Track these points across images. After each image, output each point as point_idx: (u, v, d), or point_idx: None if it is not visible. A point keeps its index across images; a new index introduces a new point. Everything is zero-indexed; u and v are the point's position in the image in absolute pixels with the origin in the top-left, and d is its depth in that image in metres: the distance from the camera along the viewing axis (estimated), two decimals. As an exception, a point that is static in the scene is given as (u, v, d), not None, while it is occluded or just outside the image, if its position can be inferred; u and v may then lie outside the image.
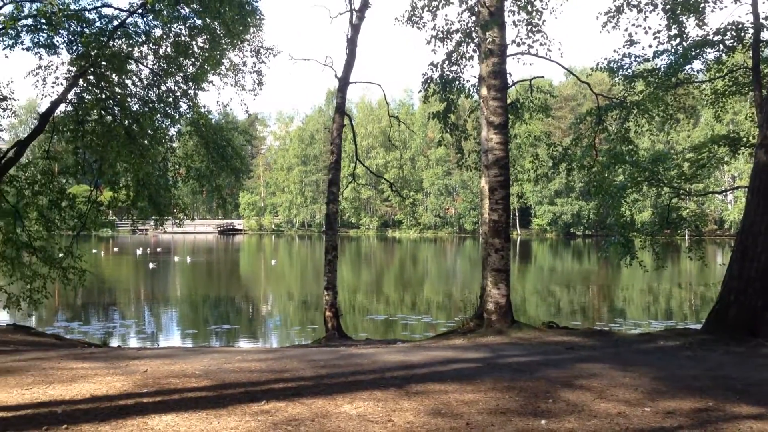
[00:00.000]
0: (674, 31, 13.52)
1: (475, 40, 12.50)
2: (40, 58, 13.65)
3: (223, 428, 4.92)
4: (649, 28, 12.97)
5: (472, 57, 13.08)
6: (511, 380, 6.76)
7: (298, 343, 15.60)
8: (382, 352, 8.80)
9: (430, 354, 8.62)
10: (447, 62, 13.17)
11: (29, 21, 13.16)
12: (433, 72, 13.25)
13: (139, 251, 53.77)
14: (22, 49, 13.40)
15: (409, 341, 13.30)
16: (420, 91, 13.64)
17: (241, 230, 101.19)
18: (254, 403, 5.65)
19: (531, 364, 7.70)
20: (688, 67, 14.10)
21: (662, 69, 13.90)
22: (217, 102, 27.02)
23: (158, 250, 56.55)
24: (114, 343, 15.55)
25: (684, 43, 13.60)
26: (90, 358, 7.60)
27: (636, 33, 12.89)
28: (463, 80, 13.32)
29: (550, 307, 25.22)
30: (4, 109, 14.51)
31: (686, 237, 36.44)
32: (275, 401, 5.73)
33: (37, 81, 13.47)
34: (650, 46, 13.05)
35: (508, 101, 12.41)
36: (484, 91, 11.75)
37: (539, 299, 27.73)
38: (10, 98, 14.47)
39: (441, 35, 12.95)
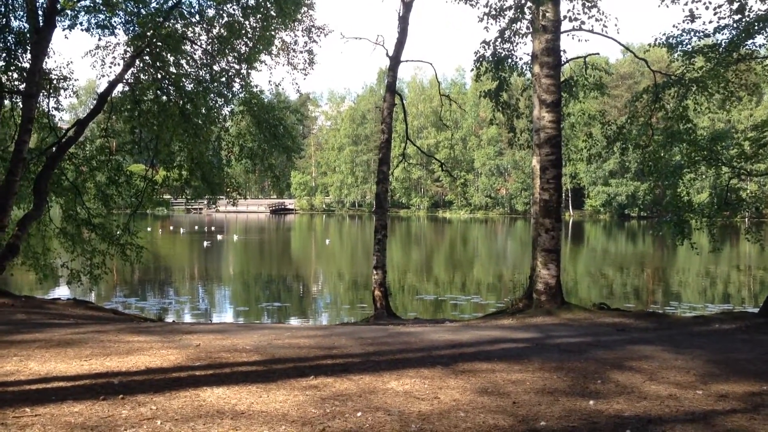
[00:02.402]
0: (736, 5, 13.01)
1: (528, 17, 12.28)
2: (99, 39, 13.99)
3: (272, 401, 5.02)
4: (710, 2, 12.46)
5: (525, 34, 12.89)
6: (560, 360, 6.71)
7: (347, 322, 15.75)
8: (430, 331, 8.83)
9: (478, 333, 8.61)
10: (499, 40, 13.00)
11: (87, 2, 13.48)
12: (485, 50, 13.10)
13: (182, 230, 54.78)
14: (81, 29, 13.76)
15: (457, 321, 13.30)
16: (472, 69, 13.51)
17: (292, 210, 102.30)
18: (303, 378, 5.74)
19: (580, 345, 7.62)
20: (750, 42, 13.56)
21: (723, 45, 13.41)
22: (269, 81, 27.16)
23: (212, 228, 57.61)
24: (169, 318, 15.95)
25: (746, 17, 13.09)
26: (145, 332, 7.83)
27: (696, 8, 12.37)
28: (516, 58, 13.14)
29: (603, 289, 24.85)
30: (65, 89, 14.93)
31: (746, 219, 35.37)
32: (323, 377, 5.81)
33: (96, 61, 13.83)
34: (710, 21, 12.50)
35: (562, 79, 12.19)
36: (536, 69, 11.58)
37: (591, 281, 27.34)
38: (70, 78, 14.87)
39: (494, 12, 12.76)
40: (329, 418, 4.70)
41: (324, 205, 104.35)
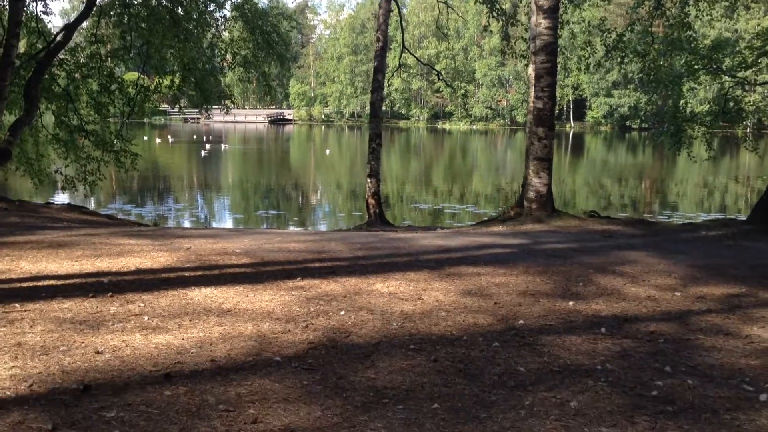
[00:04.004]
0: None
1: None
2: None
3: (258, 301, 5.14)
4: None
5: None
6: (545, 265, 6.82)
7: (339, 229, 15.91)
8: (420, 237, 8.93)
9: (467, 239, 8.71)
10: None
11: None
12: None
13: (170, 138, 54.21)
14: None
15: (449, 228, 13.43)
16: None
17: (291, 120, 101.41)
18: (290, 279, 5.85)
19: (567, 251, 7.73)
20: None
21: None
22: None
23: (210, 138, 57.30)
24: (167, 225, 16.10)
25: None
26: (138, 236, 7.92)
27: None
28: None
29: (600, 200, 24.96)
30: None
31: (747, 131, 35.12)
32: (310, 278, 5.92)
33: (82, -37, 13.38)
34: None
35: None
36: (534, -28, 11.22)
37: (589, 192, 27.44)
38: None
39: None
40: (313, 317, 4.82)
41: (323, 116, 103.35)
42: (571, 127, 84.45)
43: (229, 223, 18.58)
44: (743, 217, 12.18)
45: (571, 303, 5.42)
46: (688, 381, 3.82)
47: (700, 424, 3.26)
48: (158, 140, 52.04)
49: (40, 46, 13.98)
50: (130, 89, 15.33)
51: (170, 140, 52.59)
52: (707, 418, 3.33)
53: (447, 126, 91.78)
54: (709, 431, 3.19)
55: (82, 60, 14.90)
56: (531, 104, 11.38)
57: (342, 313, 4.93)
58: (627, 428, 3.20)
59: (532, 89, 11.34)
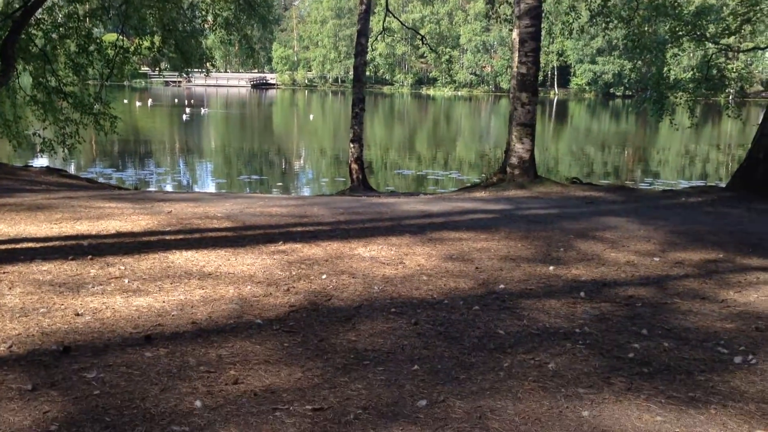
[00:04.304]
0: None
1: None
2: None
3: (239, 264, 5.13)
4: None
5: None
6: (526, 231, 6.85)
7: (322, 194, 15.87)
8: (403, 202, 8.92)
9: (450, 205, 8.72)
10: None
11: None
12: None
13: (150, 101, 53.37)
14: None
15: (432, 194, 13.44)
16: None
17: (273, 85, 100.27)
18: (272, 243, 5.84)
19: (548, 217, 7.76)
20: None
21: None
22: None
23: (192, 101, 56.58)
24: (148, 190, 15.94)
25: None
26: (118, 199, 7.85)
27: None
28: None
29: (583, 167, 25.04)
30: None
31: (730, 98, 35.23)
32: (292, 243, 5.92)
33: None
34: None
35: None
36: (520, -66, 11.09)
37: (572, 159, 27.50)
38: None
39: None
40: (294, 280, 4.83)
41: (306, 81, 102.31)
42: (555, 94, 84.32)
43: (211, 189, 18.45)
44: (723, 185, 12.29)
45: (551, 268, 5.46)
46: (664, 343, 3.88)
47: (674, 385, 3.32)
48: (138, 103, 51.29)
49: (17, 5, 13.66)
50: (108, 50, 15.05)
51: (150, 103, 51.77)
52: (682, 380, 3.39)
53: (431, 92, 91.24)
54: (683, 392, 3.25)
55: (59, 20, 14.58)
56: (515, 69, 11.33)
57: (323, 276, 4.94)
58: (603, 389, 3.26)
59: (516, 54, 11.27)
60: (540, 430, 2.84)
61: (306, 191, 18.76)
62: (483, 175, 18.41)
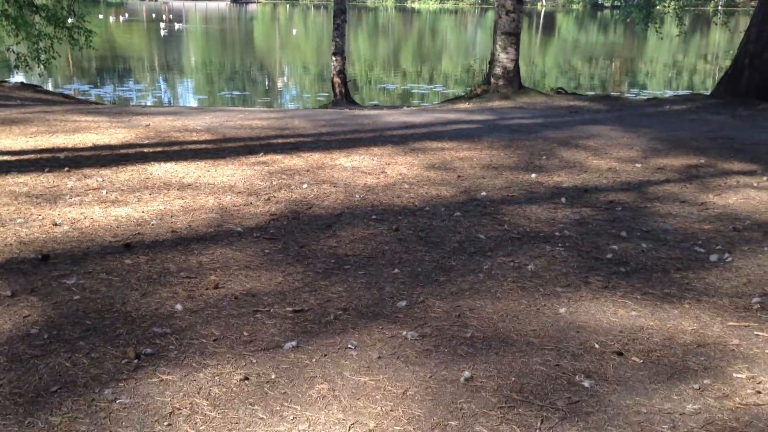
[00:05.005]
0: None
1: None
2: None
3: (219, 175, 5.08)
4: None
5: None
6: (509, 140, 6.82)
7: (304, 108, 15.66)
8: (386, 114, 8.82)
9: (433, 116, 8.63)
10: None
11: None
12: None
13: (124, 15, 51.67)
14: None
15: (415, 107, 13.29)
16: None
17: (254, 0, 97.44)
18: (252, 155, 5.78)
19: (532, 126, 7.71)
20: None
21: None
22: None
23: (170, 17, 54.94)
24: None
25: None
26: (94, 113, 7.69)
27: None
28: None
29: (570, 80, 24.75)
30: None
31: (719, 7, 34.65)
32: (273, 154, 5.86)
33: None
34: None
35: None
36: None
37: (559, 72, 27.17)
38: None
39: None
40: (275, 190, 4.80)
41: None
42: (543, 5, 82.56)
43: (192, 104, 18.15)
44: (708, 93, 12.22)
45: (533, 175, 5.46)
46: (642, 245, 3.92)
47: (651, 283, 3.37)
48: (111, 18, 49.74)
49: None
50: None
51: (123, 17, 50.23)
52: (658, 278, 3.44)
53: (416, 5, 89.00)
54: (658, 289, 3.30)
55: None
56: (500, -24, 11.02)
57: (304, 186, 4.91)
58: (581, 288, 3.30)
59: (501, -40, 10.94)
60: (517, 326, 2.89)
61: (289, 107, 18.50)
62: (468, 88, 18.19)
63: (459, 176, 5.38)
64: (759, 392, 2.41)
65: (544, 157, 6.08)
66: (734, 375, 2.54)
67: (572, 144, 6.67)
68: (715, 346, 2.76)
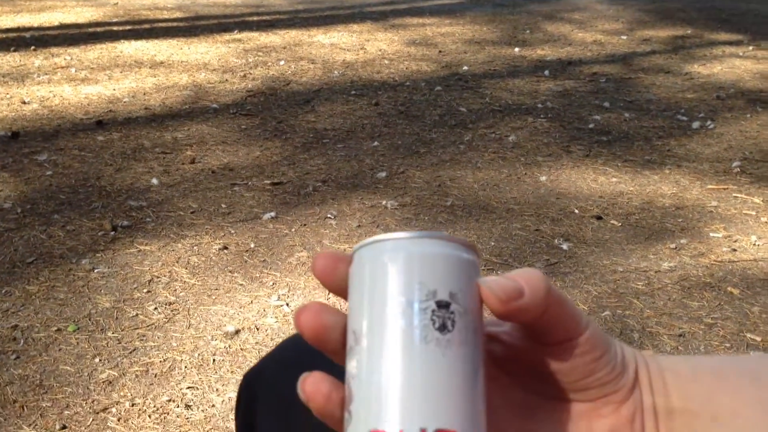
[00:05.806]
0: None
1: None
2: None
3: (192, 53, 4.92)
4: None
5: None
6: (493, 14, 6.62)
7: None
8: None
9: (414, -8, 8.31)
10: None
11: None
12: None
13: None
14: None
15: None
16: None
17: None
18: (227, 32, 5.58)
19: (516, 0, 7.47)
20: None
21: None
22: None
23: None
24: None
25: None
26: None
27: None
28: None
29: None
30: None
31: None
32: (248, 31, 5.66)
33: None
34: None
35: None
36: None
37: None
38: None
39: None
40: (251, 67, 4.66)
41: None
42: None
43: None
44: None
45: (516, 49, 5.32)
46: (625, 114, 3.87)
47: (632, 150, 3.35)
48: None
49: None
50: None
51: None
52: (639, 145, 3.42)
53: None
54: (640, 156, 3.29)
55: None
56: None
57: (281, 63, 4.77)
58: (562, 156, 3.28)
59: None
60: (498, 195, 2.88)
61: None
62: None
63: (440, 51, 5.24)
64: (735, 250, 2.44)
65: (527, 31, 5.91)
66: (711, 234, 2.56)
67: (557, 17, 6.48)
68: (693, 208, 2.77)
